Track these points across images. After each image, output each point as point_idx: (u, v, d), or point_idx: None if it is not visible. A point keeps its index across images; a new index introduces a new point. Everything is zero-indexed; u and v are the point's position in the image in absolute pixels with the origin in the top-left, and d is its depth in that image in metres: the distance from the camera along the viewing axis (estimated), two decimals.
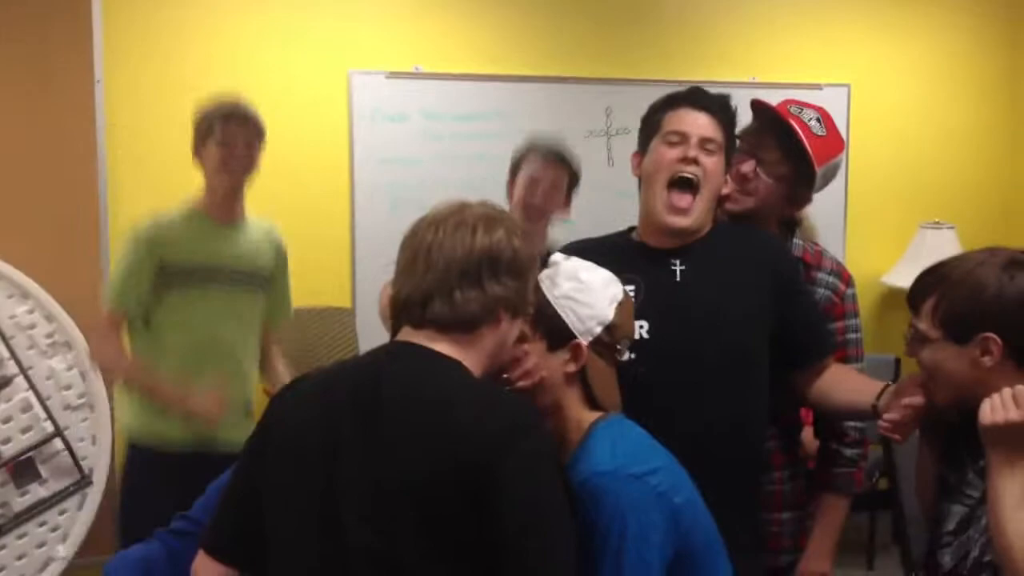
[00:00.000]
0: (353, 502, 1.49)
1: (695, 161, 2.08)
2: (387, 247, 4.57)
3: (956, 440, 1.91)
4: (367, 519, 1.47)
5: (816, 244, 2.46)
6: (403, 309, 1.62)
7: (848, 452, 2.36)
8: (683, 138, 2.10)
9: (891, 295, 5.03)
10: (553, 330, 1.78)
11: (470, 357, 1.59)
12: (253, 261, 3.17)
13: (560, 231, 2.98)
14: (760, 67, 4.93)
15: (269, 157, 4.25)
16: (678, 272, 2.11)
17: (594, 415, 1.79)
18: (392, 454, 1.48)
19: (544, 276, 1.81)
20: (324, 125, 4.42)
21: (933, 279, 1.87)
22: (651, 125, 2.17)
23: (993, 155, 5.43)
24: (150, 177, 4.11)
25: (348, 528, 1.48)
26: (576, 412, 1.79)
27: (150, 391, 3.04)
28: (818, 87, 4.90)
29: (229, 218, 3.15)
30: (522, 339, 1.75)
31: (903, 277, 4.97)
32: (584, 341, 1.79)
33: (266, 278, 3.22)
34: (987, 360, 1.80)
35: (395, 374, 1.56)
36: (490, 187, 4.37)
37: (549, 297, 1.79)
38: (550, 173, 3.13)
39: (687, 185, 2.09)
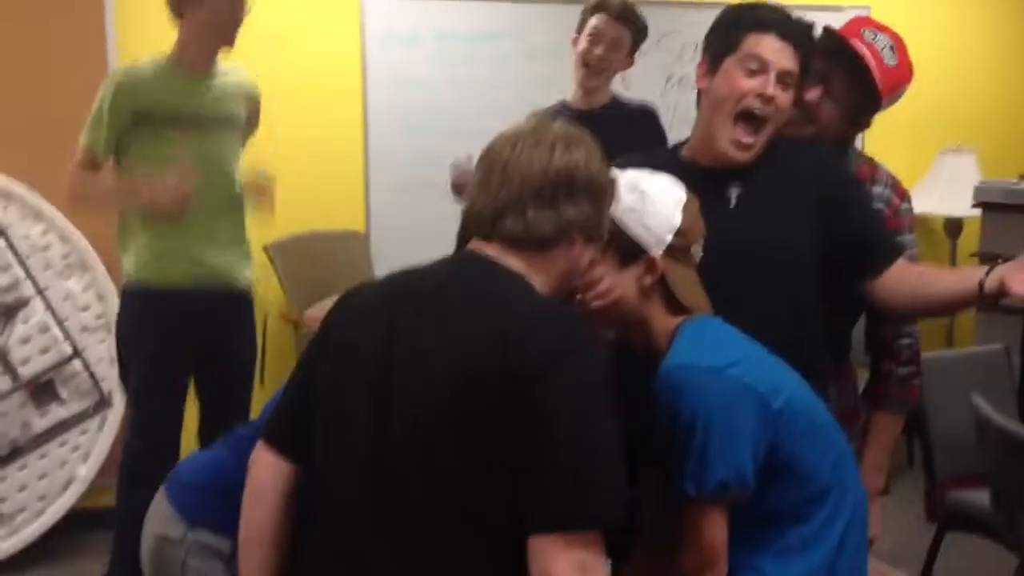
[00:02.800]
0: (404, 396, 1.50)
1: (771, 99, 2.00)
2: (401, 169, 4.63)
3: None
4: (414, 413, 1.49)
5: (868, 159, 2.40)
6: (474, 222, 1.62)
7: (902, 370, 2.34)
8: (763, 68, 2.00)
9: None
10: (623, 246, 1.76)
11: (538, 275, 1.59)
12: (226, 107, 3.18)
13: None
14: None
15: (281, 80, 4.23)
16: (733, 198, 2.06)
17: (679, 319, 1.78)
18: (445, 355, 1.49)
19: None
20: (336, 47, 4.36)
21: None
22: (728, 41, 2.04)
23: (1014, 77, 5.34)
24: None
25: (395, 421, 1.50)
26: (662, 322, 1.78)
27: (124, 194, 3.09)
28: (839, 9, 4.79)
29: (204, 69, 3.15)
30: (593, 262, 1.72)
31: (924, 203, 4.92)
32: (657, 251, 1.76)
33: (240, 123, 3.24)
34: None
35: (458, 279, 1.58)
36: (505, 108, 4.35)
37: (613, 213, 1.75)
38: (612, 28, 3.28)
39: (755, 119, 2.02)
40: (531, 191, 1.57)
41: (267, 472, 1.69)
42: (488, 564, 1.47)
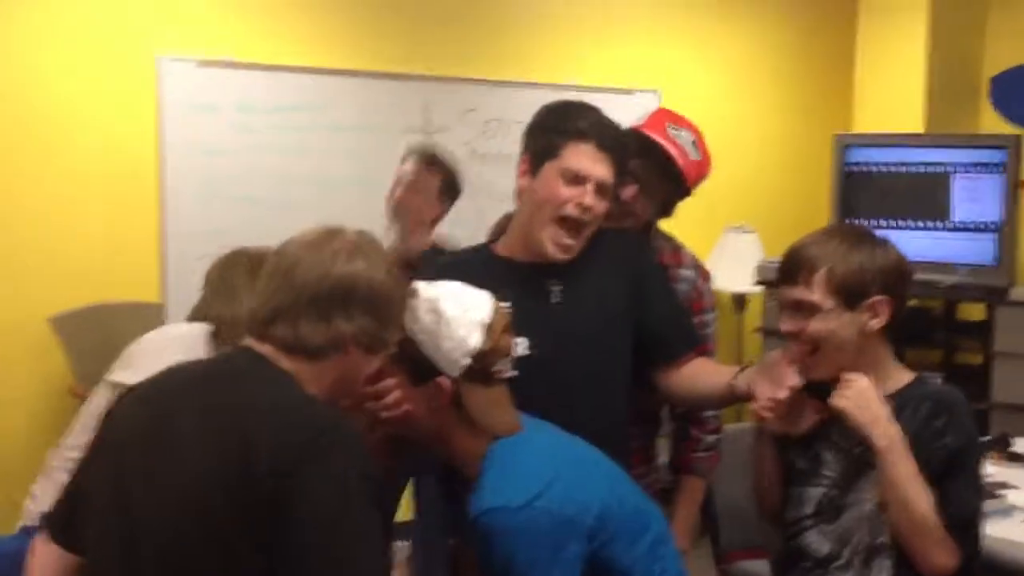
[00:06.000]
0: (150, 493, 1.48)
1: (589, 208, 2.06)
2: (200, 239, 4.52)
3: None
4: (159, 510, 1.47)
5: (673, 241, 2.53)
6: (250, 322, 1.61)
7: (709, 439, 2.47)
8: (581, 180, 2.06)
9: None
10: (415, 365, 1.73)
11: (309, 381, 1.56)
12: None
13: None
14: (576, 71, 5.03)
15: (70, 144, 4.07)
16: (555, 293, 2.11)
17: (484, 444, 1.74)
18: (192, 453, 1.47)
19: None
20: (131, 115, 4.21)
21: (819, 251, 1.94)
22: (549, 146, 2.09)
23: (790, 161, 5.71)
24: None
25: (141, 518, 1.49)
26: (464, 443, 1.76)
27: None
28: (630, 92, 5.03)
29: None
30: (381, 372, 1.69)
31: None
32: (451, 375, 1.73)
33: None
34: (875, 322, 1.92)
35: (223, 376, 1.56)
36: (306, 180, 4.34)
37: (409, 331, 1.72)
38: (414, 172, 3.26)
39: (574, 222, 2.08)
40: (304, 300, 1.56)
41: (38, 559, 1.68)
42: None
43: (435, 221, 3.35)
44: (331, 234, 1.63)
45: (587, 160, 2.07)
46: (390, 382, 1.73)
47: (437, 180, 3.29)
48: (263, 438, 1.43)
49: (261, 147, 4.32)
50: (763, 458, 2.13)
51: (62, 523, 1.66)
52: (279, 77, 4.39)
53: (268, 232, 4.46)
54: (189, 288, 4.19)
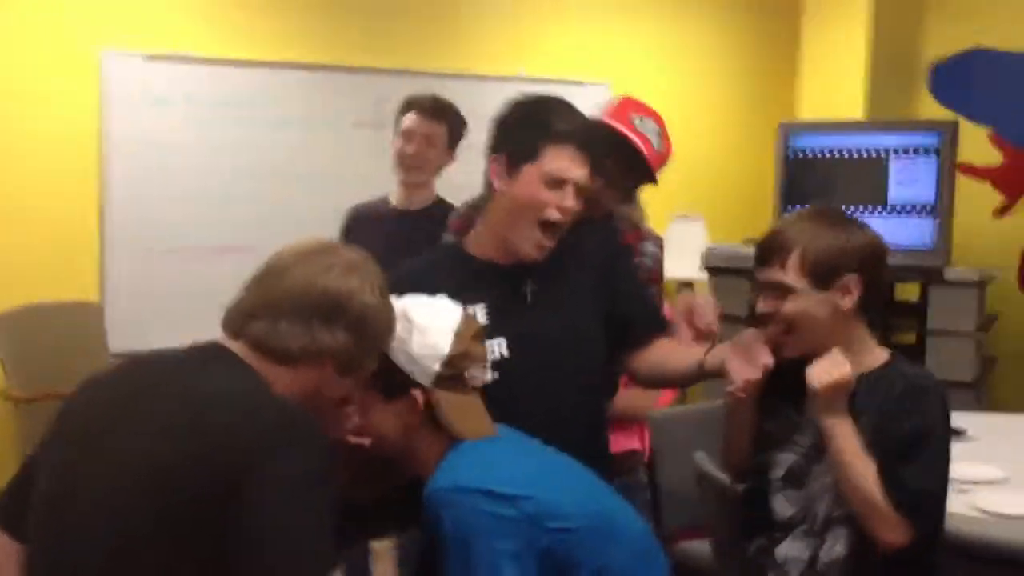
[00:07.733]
0: (92, 482, 1.46)
1: (568, 211, 2.05)
2: (146, 235, 4.46)
3: (772, 391, 2.04)
4: (106, 499, 1.44)
5: (630, 219, 2.57)
6: (229, 316, 1.59)
7: None
8: (561, 183, 2.03)
9: None
10: (388, 378, 1.72)
11: (274, 384, 1.53)
12: None
13: None
14: (526, 63, 5.06)
15: (6, 139, 4.03)
16: (528, 294, 2.10)
17: (448, 445, 1.74)
18: (143, 440, 1.45)
19: None
20: (72, 108, 4.18)
21: (794, 233, 1.99)
22: (527, 148, 2.05)
23: (736, 150, 5.77)
24: None
25: (87, 505, 1.45)
26: (431, 450, 1.74)
27: None
28: (580, 84, 5.06)
29: None
30: (348, 398, 1.67)
31: None
32: (424, 384, 1.73)
33: None
34: (847, 301, 1.97)
35: (183, 365, 1.55)
36: (254, 174, 4.33)
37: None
38: (423, 125, 3.27)
39: (554, 227, 2.06)
40: (290, 303, 1.55)
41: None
42: None
43: (440, 168, 3.36)
44: (329, 247, 1.65)
45: (568, 163, 2.04)
46: (350, 409, 1.72)
47: (445, 129, 3.31)
48: (221, 429, 1.42)
49: (209, 142, 4.29)
50: (735, 423, 2.16)
51: (16, 511, 1.59)
52: (227, 71, 4.36)
53: (213, 228, 4.48)
54: (129, 287, 4.19)
